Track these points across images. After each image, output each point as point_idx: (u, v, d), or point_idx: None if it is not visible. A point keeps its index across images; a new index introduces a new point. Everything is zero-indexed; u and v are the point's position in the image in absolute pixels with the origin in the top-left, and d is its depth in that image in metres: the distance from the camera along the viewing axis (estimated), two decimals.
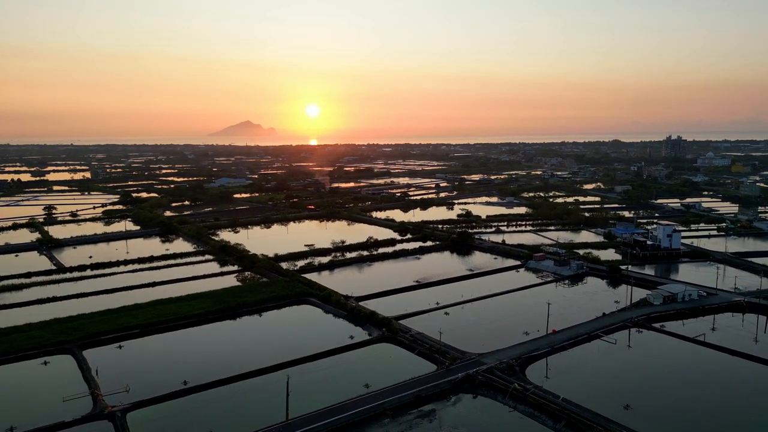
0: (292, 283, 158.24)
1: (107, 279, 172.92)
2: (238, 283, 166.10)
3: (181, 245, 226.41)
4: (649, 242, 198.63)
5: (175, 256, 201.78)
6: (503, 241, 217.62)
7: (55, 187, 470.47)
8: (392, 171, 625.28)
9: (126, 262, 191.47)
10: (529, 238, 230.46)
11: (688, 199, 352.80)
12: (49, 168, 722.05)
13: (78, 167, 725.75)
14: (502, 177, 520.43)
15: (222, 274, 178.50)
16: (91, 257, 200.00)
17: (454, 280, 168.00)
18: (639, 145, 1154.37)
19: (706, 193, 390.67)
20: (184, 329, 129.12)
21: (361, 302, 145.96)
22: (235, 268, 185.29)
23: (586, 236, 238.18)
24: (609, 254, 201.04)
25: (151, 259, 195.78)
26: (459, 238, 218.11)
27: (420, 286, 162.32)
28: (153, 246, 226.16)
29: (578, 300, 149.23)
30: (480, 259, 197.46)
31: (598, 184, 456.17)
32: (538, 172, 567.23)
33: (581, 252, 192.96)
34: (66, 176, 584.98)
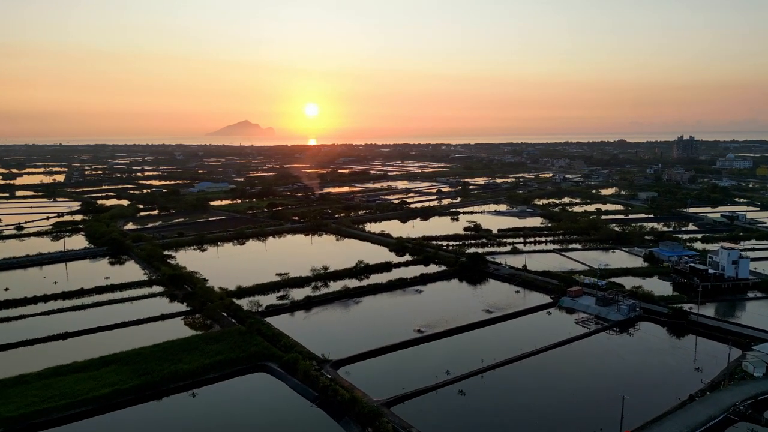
0: (249, 336, 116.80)
1: (10, 325, 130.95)
2: (184, 330, 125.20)
3: (129, 270, 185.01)
4: (710, 270, 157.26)
5: (113, 288, 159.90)
6: (524, 266, 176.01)
7: (19, 193, 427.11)
8: (390, 174, 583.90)
9: (46, 298, 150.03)
10: (554, 261, 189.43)
11: (721, 208, 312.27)
12: (27, 170, 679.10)
13: (56, 169, 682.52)
14: (509, 180, 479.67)
15: (164, 317, 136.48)
16: (7, 290, 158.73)
17: (467, 329, 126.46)
18: (645, 146, 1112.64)
19: (738, 200, 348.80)
20: (75, 422, 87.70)
21: (342, 368, 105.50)
22: (184, 307, 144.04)
23: (621, 258, 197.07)
24: (655, 284, 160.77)
25: (80, 293, 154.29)
26: (469, 262, 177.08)
27: (423, 339, 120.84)
28: (95, 271, 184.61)
29: (643, 366, 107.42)
30: (497, 292, 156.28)
31: (616, 189, 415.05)
32: (547, 175, 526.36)
33: (626, 284, 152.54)
34: (38, 179, 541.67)
